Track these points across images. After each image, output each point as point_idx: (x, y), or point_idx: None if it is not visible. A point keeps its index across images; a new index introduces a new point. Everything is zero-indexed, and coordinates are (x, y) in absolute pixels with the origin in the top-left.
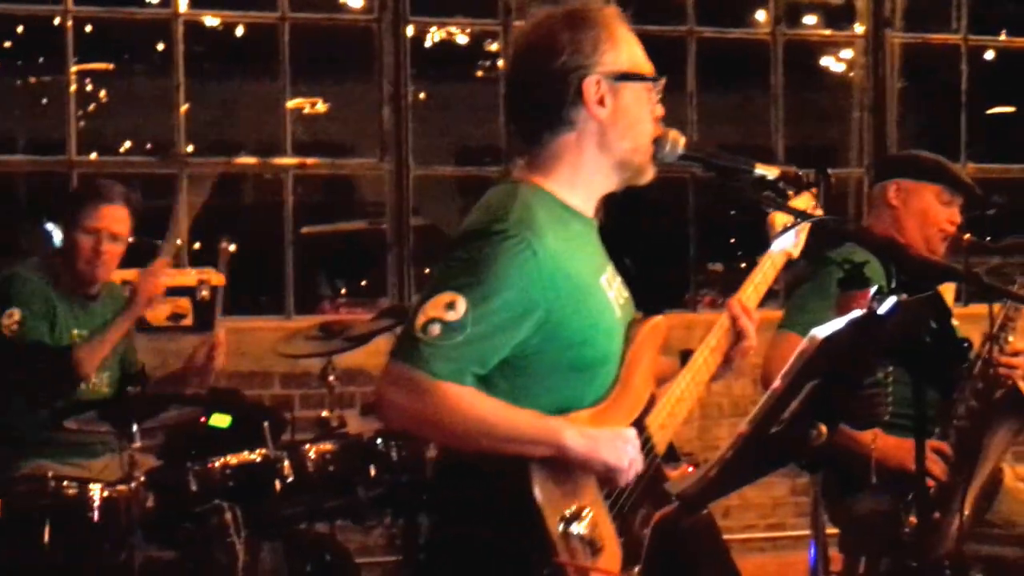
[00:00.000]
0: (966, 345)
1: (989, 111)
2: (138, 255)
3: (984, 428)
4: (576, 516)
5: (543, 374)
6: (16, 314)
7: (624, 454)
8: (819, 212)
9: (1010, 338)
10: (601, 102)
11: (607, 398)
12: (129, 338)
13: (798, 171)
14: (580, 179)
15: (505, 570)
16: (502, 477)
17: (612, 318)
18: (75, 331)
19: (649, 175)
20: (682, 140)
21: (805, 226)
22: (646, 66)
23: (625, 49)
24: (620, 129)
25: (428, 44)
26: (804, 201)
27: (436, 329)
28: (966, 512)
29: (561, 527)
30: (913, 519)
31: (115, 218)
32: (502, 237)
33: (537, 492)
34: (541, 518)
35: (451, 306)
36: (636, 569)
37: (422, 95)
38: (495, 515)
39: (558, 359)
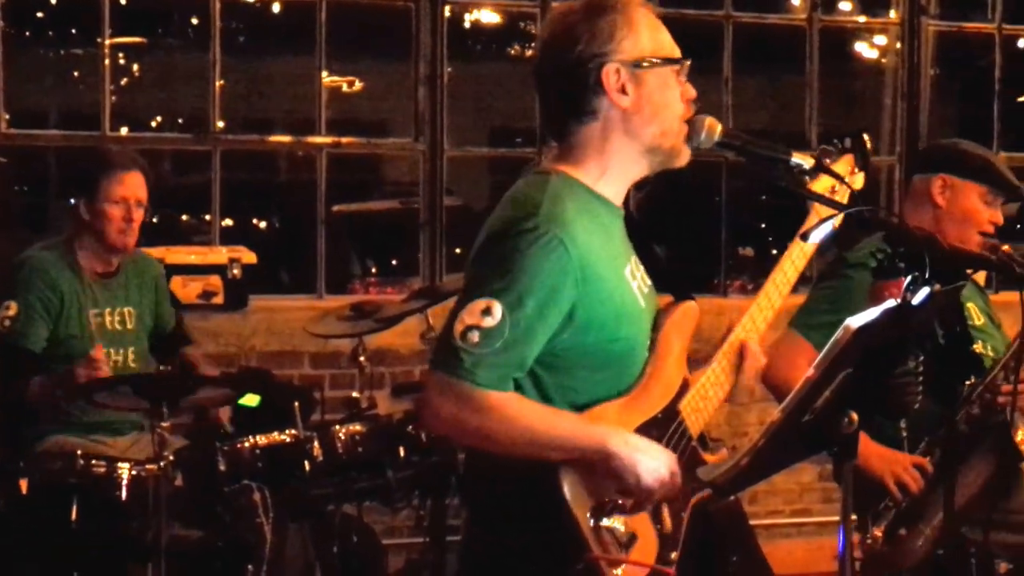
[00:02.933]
0: (978, 360)
1: (1021, 99)
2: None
3: (965, 457)
4: (608, 509)
5: (572, 369)
6: (12, 308)
7: (658, 475)
8: (858, 178)
9: None
10: (623, 90)
11: (638, 384)
12: (161, 303)
13: (833, 141)
14: (609, 167)
15: (539, 568)
16: (531, 474)
17: (637, 309)
18: (92, 311)
19: (684, 158)
20: (719, 127)
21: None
22: (671, 49)
23: (645, 34)
24: (645, 115)
25: (465, 25)
26: (842, 167)
27: (475, 337)
28: (927, 532)
29: (592, 521)
30: (878, 531)
31: (138, 184)
32: (533, 236)
33: (566, 488)
34: (571, 513)
35: (487, 312)
36: (674, 555)
37: (458, 75)
38: (526, 512)
39: (587, 354)
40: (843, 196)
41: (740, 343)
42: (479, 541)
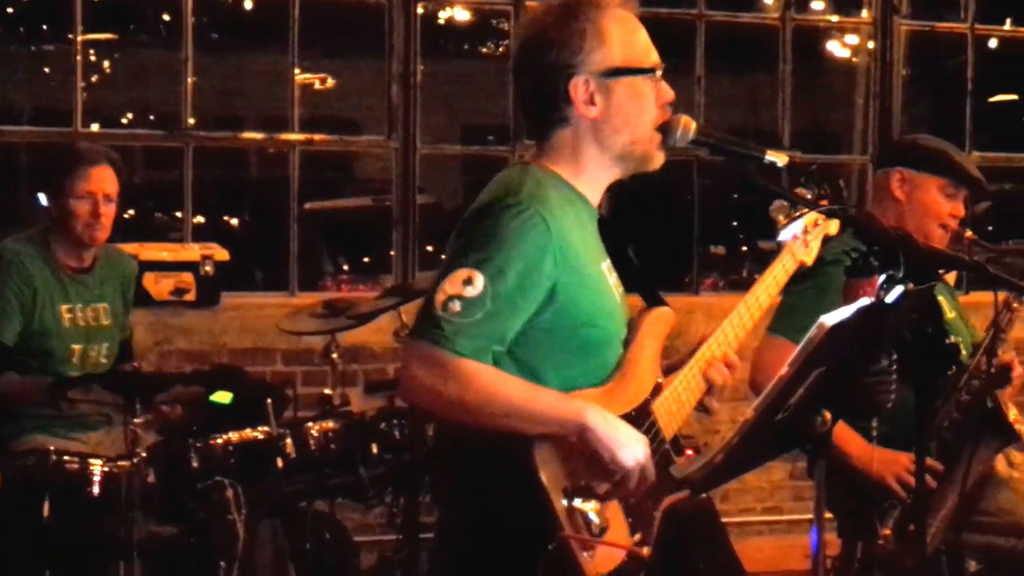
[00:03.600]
0: (954, 350)
1: (993, 99)
2: (139, 228)
3: (964, 442)
4: (581, 492)
5: (549, 353)
6: None
7: (633, 455)
8: (832, 225)
9: (1001, 349)
10: (591, 100)
11: (610, 380)
12: (125, 308)
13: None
14: (583, 171)
15: (511, 545)
16: (504, 452)
17: (614, 303)
18: (64, 306)
19: (658, 162)
20: (693, 125)
21: (820, 235)
22: (644, 55)
23: (617, 42)
24: (615, 125)
25: (438, 22)
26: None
27: (456, 306)
28: (936, 526)
29: (565, 502)
30: (887, 530)
31: (105, 179)
32: (515, 211)
33: (540, 467)
34: (544, 492)
35: (469, 282)
36: (645, 551)
37: (430, 73)
38: (499, 491)
39: (566, 338)
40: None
41: (712, 357)
42: (449, 519)
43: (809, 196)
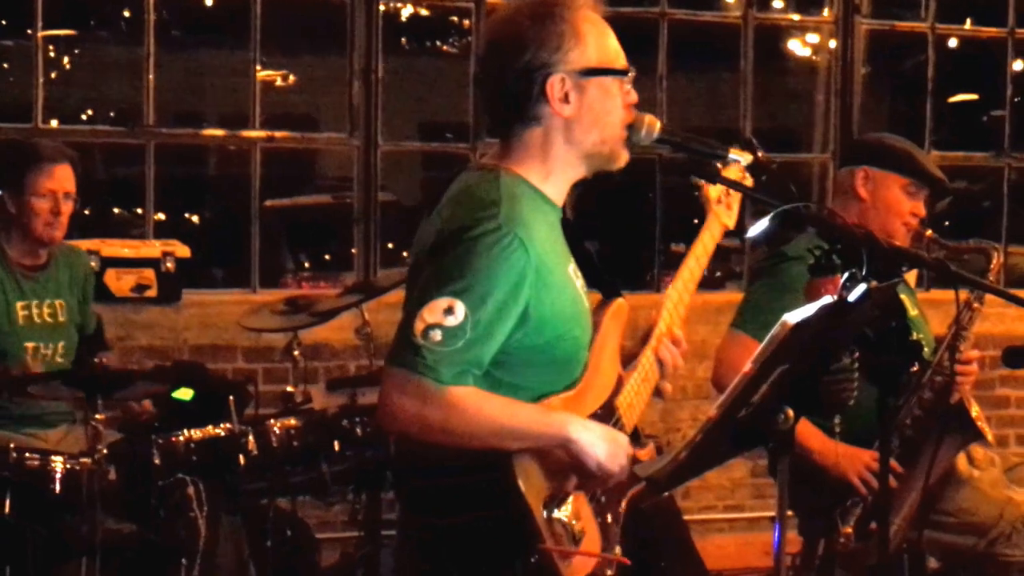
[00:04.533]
0: (918, 347)
1: (952, 99)
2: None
3: (926, 440)
4: (558, 501)
5: (523, 367)
6: None
7: (617, 459)
8: (747, 181)
9: (962, 346)
10: (565, 99)
11: (578, 383)
12: (85, 303)
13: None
14: (550, 170)
15: (492, 557)
16: (482, 465)
17: (583, 308)
18: (19, 303)
19: (622, 161)
20: (658, 124)
21: (738, 196)
22: (616, 57)
23: (592, 43)
24: (586, 124)
25: (400, 20)
26: (733, 172)
27: (437, 335)
28: (897, 523)
29: (545, 513)
30: (848, 528)
31: (66, 176)
32: (496, 237)
33: (520, 479)
34: (526, 504)
35: (450, 311)
36: (617, 550)
37: (391, 70)
38: (479, 504)
39: (539, 352)
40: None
41: (663, 336)
42: (421, 532)
43: (744, 160)
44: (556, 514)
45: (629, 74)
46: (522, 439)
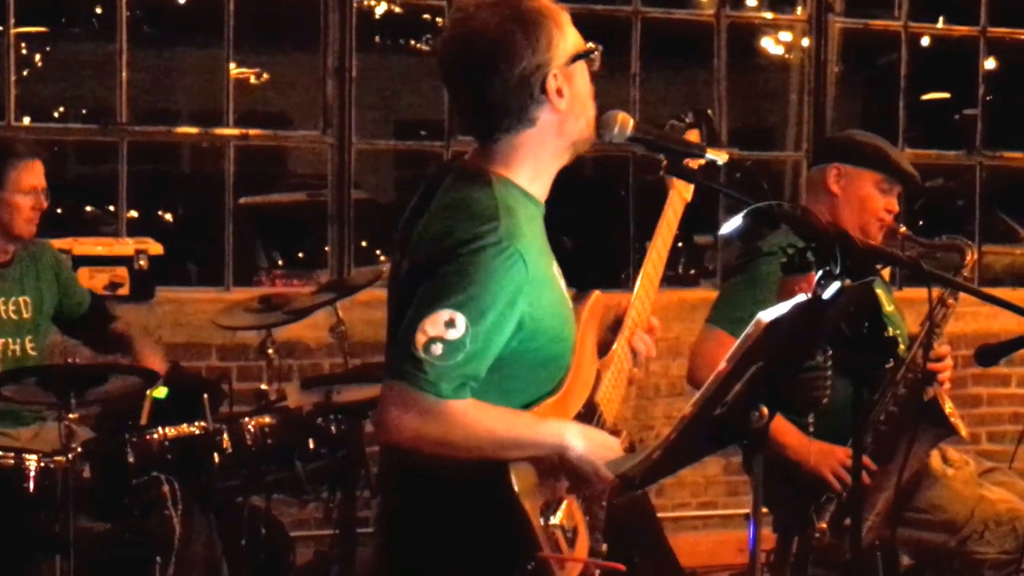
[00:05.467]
0: (893, 343)
1: (925, 97)
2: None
3: (900, 436)
4: (554, 506)
5: (515, 372)
6: None
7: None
8: (722, 154)
9: (936, 343)
10: (559, 93)
11: (564, 381)
12: (68, 285)
13: (678, 115)
14: (540, 168)
15: (488, 569)
16: (478, 474)
17: (568, 309)
18: None
19: (591, 143)
20: (631, 122)
21: (695, 165)
22: (580, 40)
23: (570, 33)
24: (576, 110)
25: (373, 18)
26: (691, 138)
27: (439, 349)
28: (871, 519)
29: (542, 520)
30: (823, 524)
31: (42, 173)
32: (496, 251)
33: (517, 487)
34: (524, 514)
35: (451, 323)
36: (604, 547)
37: (364, 68)
38: (475, 514)
39: (532, 357)
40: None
41: (634, 325)
42: (411, 542)
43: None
44: (552, 520)
45: (598, 49)
46: (520, 448)
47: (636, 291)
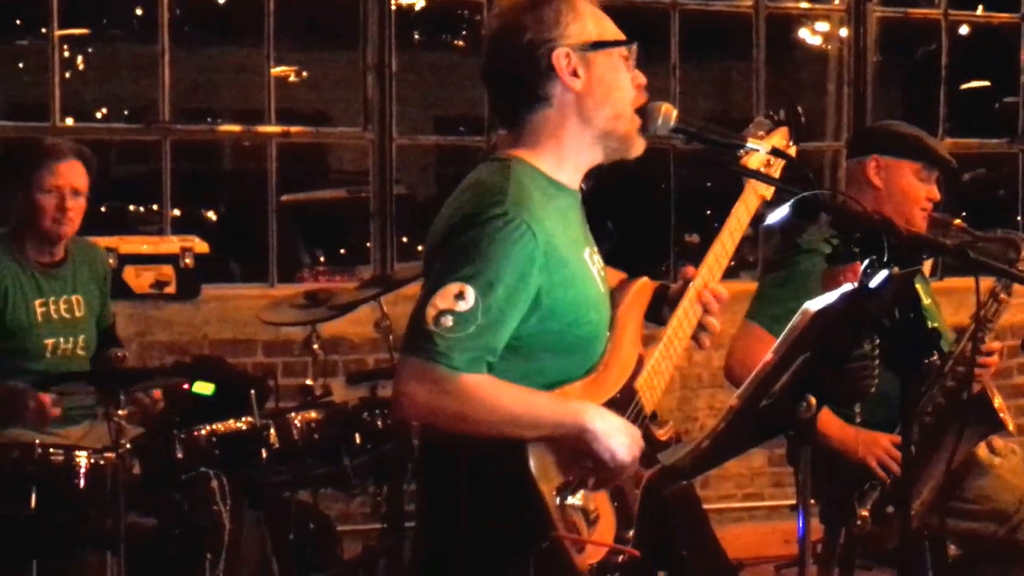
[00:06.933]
0: (936, 335)
1: (965, 86)
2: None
3: (947, 428)
4: (572, 487)
5: (537, 354)
6: None
7: (631, 451)
8: (792, 150)
9: (987, 337)
10: (574, 73)
11: (598, 366)
12: (103, 297)
13: (769, 113)
14: (565, 153)
15: (504, 545)
16: (496, 453)
17: (598, 293)
18: (37, 301)
19: (638, 149)
20: (675, 113)
21: (779, 167)
22: (616, 35)
23: (590, 20)
24: (598, 98)
25: (412, 14)
26: (777, 139)
27: (448, 321)
28: (915, 508)
29: (558, 500)
30: (865, 511)
31: (73, 173)
32: (503, 222)
33: (533, 466)
34: (538, 492)
35: (460, 296)
36: (631, 533)
37: (404, 64)
38: (491, 491)
39: (552, 339)
40: (776, 170)
41: (694, 299)
42: (437, 520)
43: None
44: (570, 500)
45: (632, 47)
46: (537, 428)
47: (695, 279)
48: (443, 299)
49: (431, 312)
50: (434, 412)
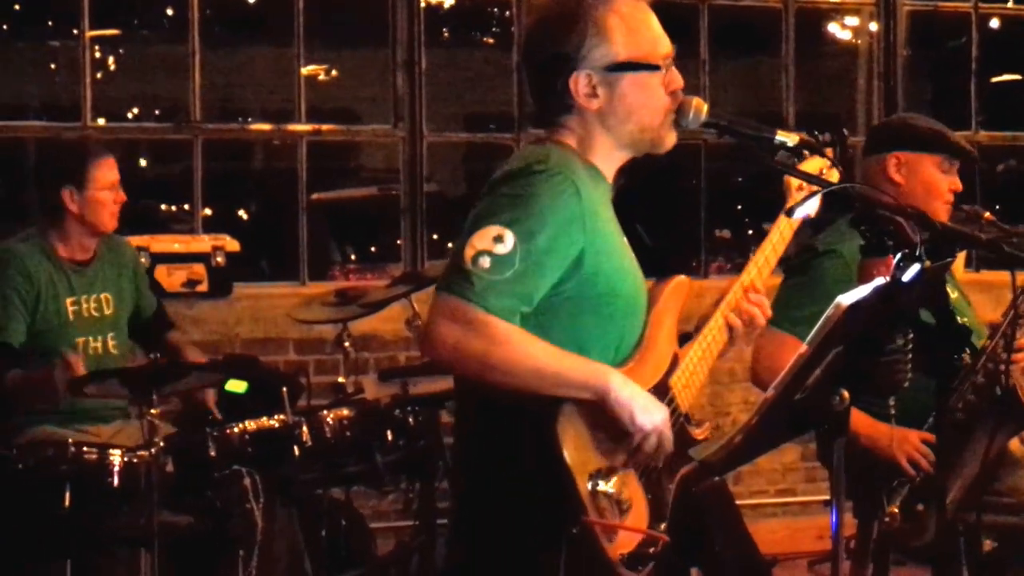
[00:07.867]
0: (966, 331)
1: (995, 79)
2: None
3: (977, 424)
4: (604, 474)
5: (572, 321)
6: None
7: (651, 416)
8: (833, 175)
9: (1020, 333)
10: (593, 94)
11: (632, 358)
12: (140, 289)
13: (814, 133)
14: (596, 147)
15: (535, 529)
16: (530, 437)
17: (637, 276)
18: (69, 299)
19: (669, 143)
20: (705, 107)
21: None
22: (652, 49)
23: (620, 39)
24: (620, 116)
25: (441, 11)
26: (815, 164)
27: (486, 262)
28: (947, 504)
29: (590, 486)
30: (894, 508)
31: (116, 167)
32: (547, 175)
33: (566, 451)
34: (571, 477)
35: (499, 239)
36: (663, 526)
37: (433, 62)
38: (524, 475)
39: (589, 307)
40: (831, 178)
41: (733, 307)
42: (474, 500)
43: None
44: (602, 487)
45: (663, 67)
46: (561, 386)
47: (741, 277)
48: (481, 239)
49: (469, 252)
50: (461, 354)
